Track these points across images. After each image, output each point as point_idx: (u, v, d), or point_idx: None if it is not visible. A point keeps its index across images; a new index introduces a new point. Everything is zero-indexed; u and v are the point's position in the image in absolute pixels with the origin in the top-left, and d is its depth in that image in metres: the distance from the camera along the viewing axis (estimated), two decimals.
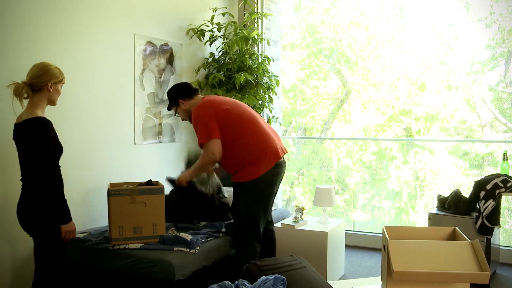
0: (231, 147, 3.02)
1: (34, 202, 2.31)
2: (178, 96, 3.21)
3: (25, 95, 2.33)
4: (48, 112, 2.43)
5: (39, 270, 2.41)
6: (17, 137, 2.36)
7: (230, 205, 3.60)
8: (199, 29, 4.48)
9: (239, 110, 3.10)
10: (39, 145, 2.26)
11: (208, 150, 2.98)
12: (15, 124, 2.37)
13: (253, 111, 3.19)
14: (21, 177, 2.39)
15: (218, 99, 3.16)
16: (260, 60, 4.60)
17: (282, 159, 3.15)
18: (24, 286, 2.97)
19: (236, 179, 3.07)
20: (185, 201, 3.47)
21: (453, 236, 2.42)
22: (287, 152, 3.24)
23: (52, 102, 2.42)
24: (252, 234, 3.06)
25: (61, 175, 2.36)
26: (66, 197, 2.38)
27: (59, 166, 2.36)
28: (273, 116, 4.76)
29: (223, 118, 3.01)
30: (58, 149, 2.37)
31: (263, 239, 3.25)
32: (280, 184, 3.29)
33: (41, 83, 2.34)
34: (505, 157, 3.85)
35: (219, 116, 3.00)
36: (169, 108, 3.31)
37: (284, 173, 3.21)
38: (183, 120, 3.31)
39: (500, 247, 4.18)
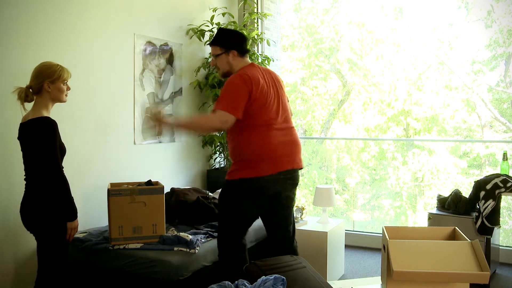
0: (241, 131, 2.68)
1: (39, 201, 2.32)
2: (237, 45, 2.74)
3: (28, 98, 2.37)
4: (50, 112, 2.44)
5: (42, 269, 2.41)
6: (22, 136, 2.37)
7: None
8: (199, 29, 4.48)
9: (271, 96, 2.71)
10: (45, 144, 2.27)
11: (222, 118, 2.55)
12: (21, 124, 2.38)
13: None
14: (24, 177, 2.40)
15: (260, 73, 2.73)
16: (260, 60, 4.60)
17: (282, 175, 2.68)
18: (26, 285, 2.97)
19: (227, 175, 2.75)
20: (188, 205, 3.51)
21: (453, 236, 2.42)
22: (300, 167, 2.79)
23: (57, 100, 2.42)
24: (224, 245, 2.78)
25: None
26: None
27: (63, 167, 2.37)
28: None
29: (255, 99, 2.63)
30: (61, 150, 2.39)
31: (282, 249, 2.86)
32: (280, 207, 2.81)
33: (38, 84, 2.35)
34: (505, 157, 3.85)
35: (253, 96, 2.62)
36: (213, 44, 2.78)
37: (283, 194, 2.75)
38: (215, 68, 2.87)
39: (500, 247, 4.18)
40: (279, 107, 2.73)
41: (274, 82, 2.77)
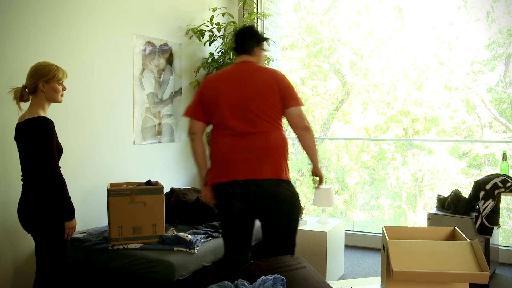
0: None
1: (36, 201, 2.32)
2: (234, 45, 2.76)
3: (24, 98, 2.36)
4: (48, 112, 2.43)
5: (40, 269, 2.41)
6: (18, 136, 2.37)
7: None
8: (199, 29, 4.48)
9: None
10: (41, 144, 2.27)
11: (187, 124, 2.69)
12: (17, 124, 2.38)
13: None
14: (21, 177, 2.40)
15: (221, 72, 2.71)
16: None
17: (237, 183, 2.52)
18: (25, 285, 2.97)
19: None
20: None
21: (452, 236, 2.42)
22: (260, 178, 2.51)
23: (52, 100, 2.41)
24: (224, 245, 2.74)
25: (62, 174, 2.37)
26: None
27: (60, 167, 2.36)
28: None
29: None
30: (58, 149, 2.38)
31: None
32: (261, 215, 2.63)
33: (33, 84, 2.35)
34: (504, 157, 3.85)
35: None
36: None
37: (259, 205, 2.56)
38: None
39: (500, 247, 4.18)
40: (239, 110, 2.53)
41: (248, 83, 2.56)
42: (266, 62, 4.63)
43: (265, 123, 2.54)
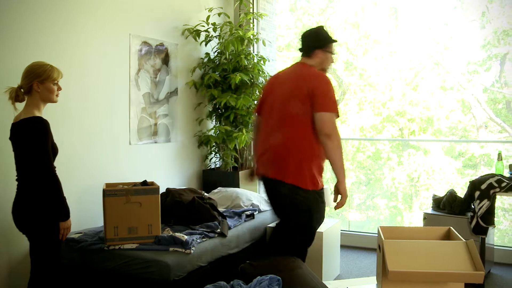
0: None
1: (31, 201, 2.31)
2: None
3: (19, 98, 2.35)
4: (43, 112, 2.42)
5: (35, 269, 2.40)
6: (13, 136, 2.36)
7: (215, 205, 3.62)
8: (195, 29, 4.47)
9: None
10: (37, 144, 2.26)
11: None
12: (12, 124, 2.37)
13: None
14: (16, 177, 2.39)
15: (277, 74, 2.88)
16: (255, 60, 4.59)
17: (262, 179, 2.74)
18: (20, 286, 2.96)
19: None
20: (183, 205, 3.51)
21: (448, 236, 2.43)
22: (268, 176, 2.64)
23: (47, 100, 2.40)
24: None
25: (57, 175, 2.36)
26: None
27: (55, 167, 2.36)
28: None
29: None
30: (53, 150, 2.37)
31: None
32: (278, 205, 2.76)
33: (27, 84, 2.34)
34: (499, 157, 3.87)
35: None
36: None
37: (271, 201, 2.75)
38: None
39: (495, 247, 4.20)
40: (273, 110, 2.65)
41: (286, 85, 2.64)
42: (262, 62, 4.62)
43: (287, 125, 2.57)
